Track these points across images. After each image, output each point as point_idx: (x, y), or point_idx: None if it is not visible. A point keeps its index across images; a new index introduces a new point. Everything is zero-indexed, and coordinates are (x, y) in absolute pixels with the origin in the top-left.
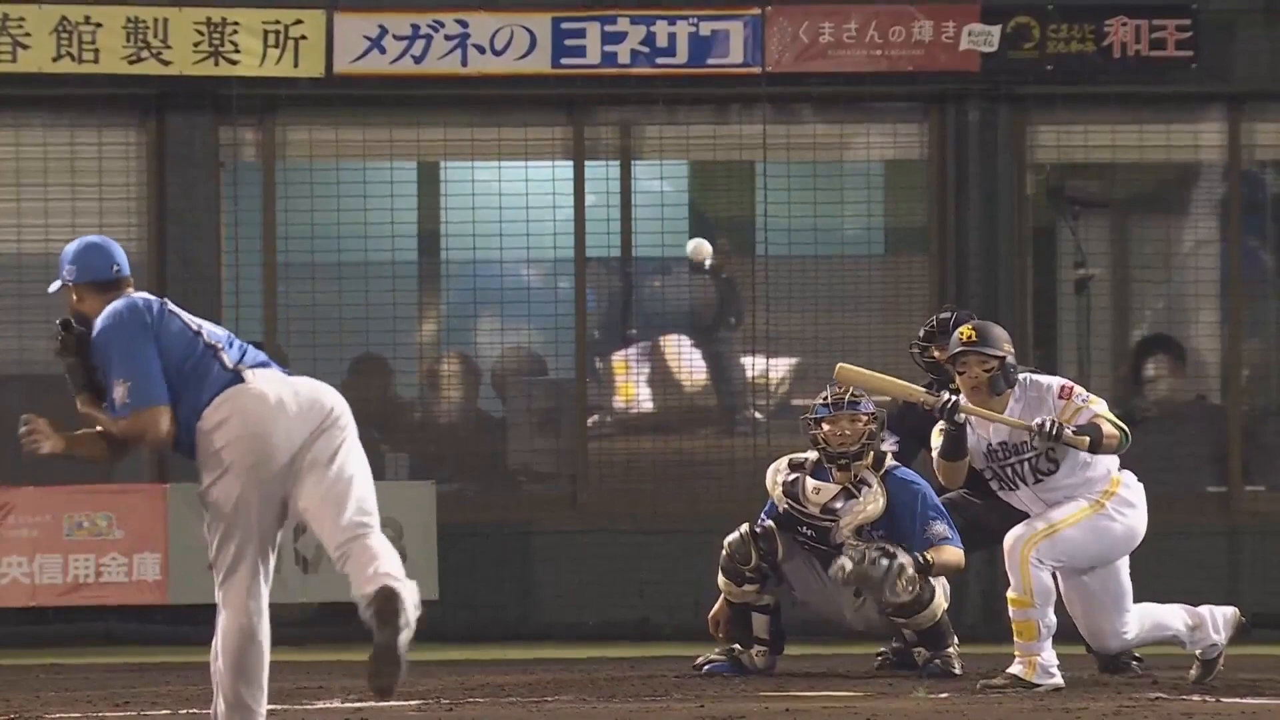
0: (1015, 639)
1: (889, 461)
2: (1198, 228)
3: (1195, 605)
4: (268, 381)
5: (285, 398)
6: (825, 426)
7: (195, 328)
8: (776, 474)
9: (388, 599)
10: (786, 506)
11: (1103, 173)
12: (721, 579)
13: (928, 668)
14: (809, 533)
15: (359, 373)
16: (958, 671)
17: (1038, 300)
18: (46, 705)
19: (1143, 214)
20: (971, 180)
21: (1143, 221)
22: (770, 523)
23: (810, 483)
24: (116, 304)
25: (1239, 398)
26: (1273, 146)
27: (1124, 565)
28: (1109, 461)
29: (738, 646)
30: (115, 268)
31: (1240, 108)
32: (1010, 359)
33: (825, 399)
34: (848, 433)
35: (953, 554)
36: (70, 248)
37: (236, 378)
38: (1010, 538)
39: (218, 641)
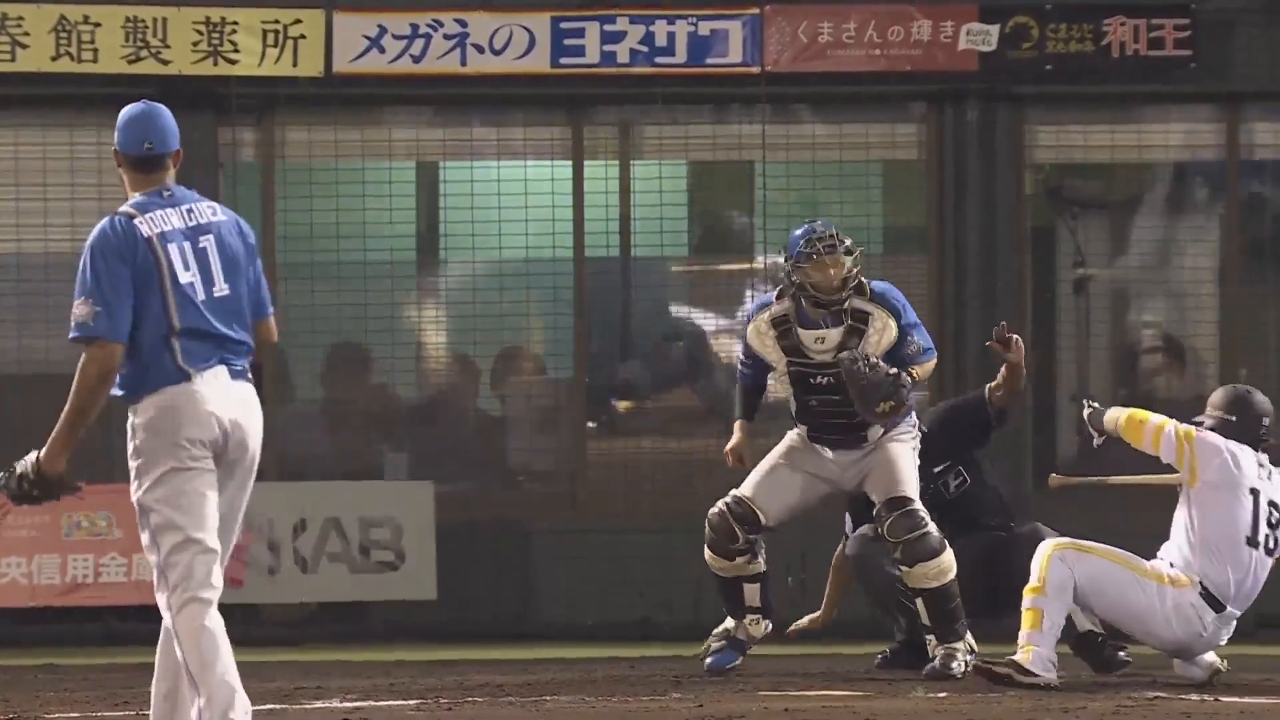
0: (1021, 627)
1: (869, 282)
2: (1196, 227)
3: None
4: (210, 386)
5: (221, 410)
6: (812, 273)
7: (163, 293)
8: (763, 337)
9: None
10: (791, 367)
11: (1101, 172)
12: (709, 555)
13: (927, 669)
14: (825, 381)
15: (357, 372)
16: (957, 675)
17: (1036, 300)
18: (45, 705)
19: (1141, 213)
20: (970, 180)
21: (1141, 221)
22: (742, 492)
23: (806, 334)
24: (105, 223)
25: None
26: (1271, 146)
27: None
28: (1189, 553)
29: (730, 623)
30: (147, 145)
31: (1238, 107)
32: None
33: (807, 242)
34: (833, 275)
35: (929, 367)
36: (121, 112)
37: (184, 378)
38: (1046, 540)
39: (179, 652)
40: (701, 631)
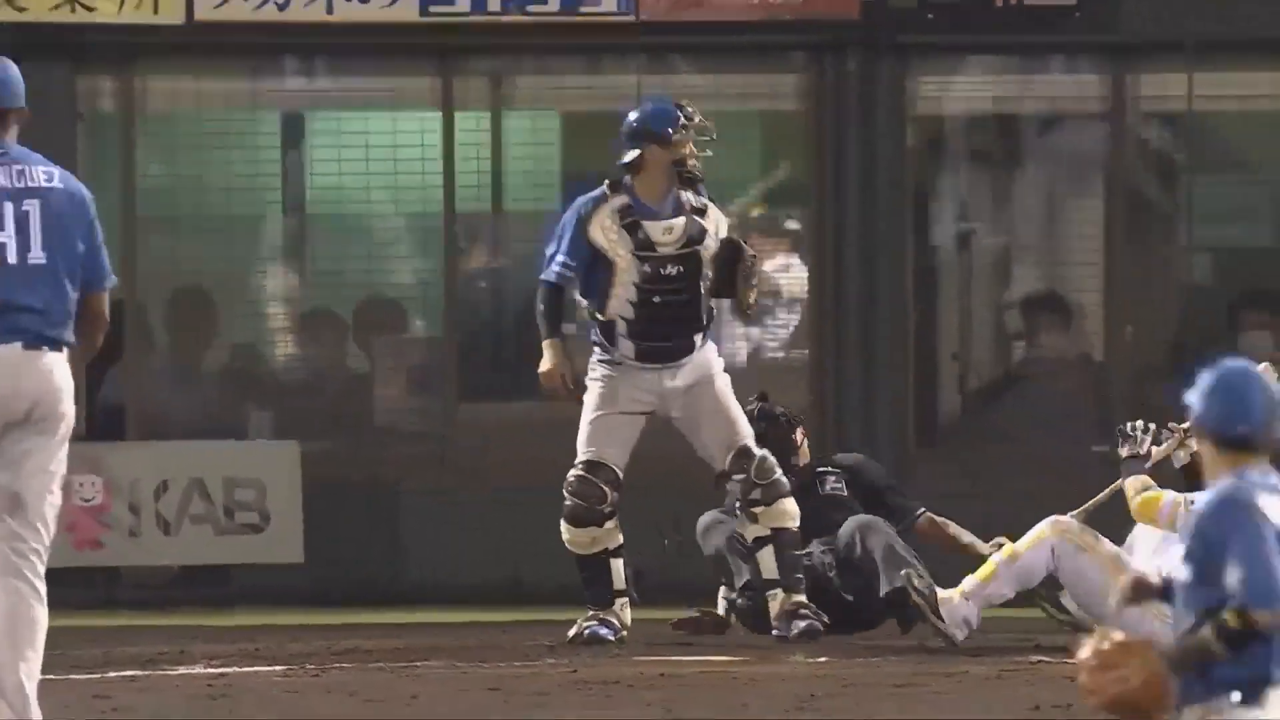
0: (977, 571)
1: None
2: (1082, 181)
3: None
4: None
5: (7, 390)
6: (681, 149)
7: None
8: (607, 231)
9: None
10: (640, 262)
11: (985, 125)
12: (572, 533)
13: (799, 627)
14: (676, 271)
15: (221, 329)
16: (819, 627)
17: (918, 256)
18: None
19: (1026, 167)
20: (851, 132)
21: (1026, 175)
22: (587, 455)
23: (654, 225)
24: None
25: (1123, 355)
26: (1157, 97)
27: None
28: None
29: (599, 613)
30: None
31: (1124, 58)
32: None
33: (687, 116)
34: (696, 151)
35: None
36: None
37: None
38: (1057, 518)
39: None
40: (574, 594)
